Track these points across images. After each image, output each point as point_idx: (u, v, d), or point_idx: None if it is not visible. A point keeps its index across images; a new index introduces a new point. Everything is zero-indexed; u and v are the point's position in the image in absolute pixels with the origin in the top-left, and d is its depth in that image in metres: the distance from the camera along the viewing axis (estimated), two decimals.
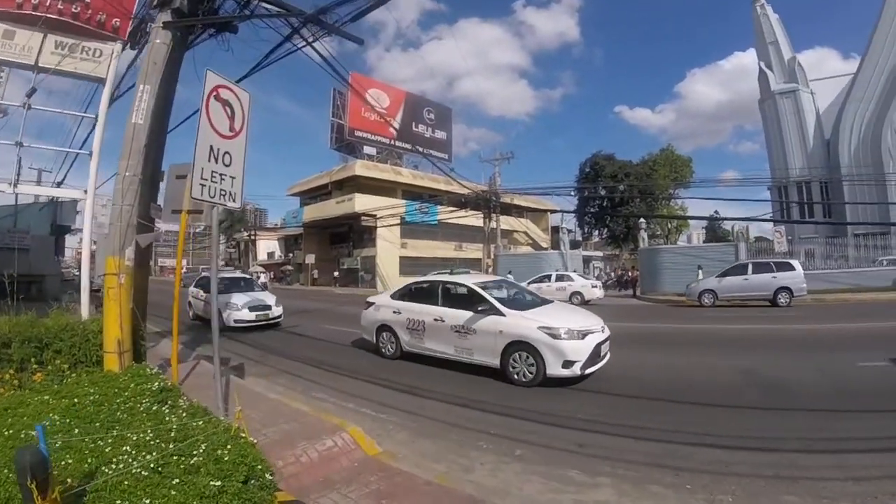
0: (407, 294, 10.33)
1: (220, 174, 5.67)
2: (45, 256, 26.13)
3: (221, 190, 5.69)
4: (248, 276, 20.88)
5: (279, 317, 15.87)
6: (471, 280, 9.72)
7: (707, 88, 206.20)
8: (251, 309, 15.13)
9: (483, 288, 9.08)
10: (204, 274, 20.03)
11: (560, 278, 26.81)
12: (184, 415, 4.59)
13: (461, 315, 8.76)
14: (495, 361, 8.24)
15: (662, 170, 51.20)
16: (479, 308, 8.57)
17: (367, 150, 48.37)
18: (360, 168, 44.06)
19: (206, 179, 5.50)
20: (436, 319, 9.16)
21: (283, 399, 6.83)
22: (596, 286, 26.65)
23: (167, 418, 4.47)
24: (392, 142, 49.72)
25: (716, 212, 54.56)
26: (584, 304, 23.62)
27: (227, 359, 10.36)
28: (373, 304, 10.80)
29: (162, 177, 8.08)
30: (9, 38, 8.32)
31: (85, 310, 8.57)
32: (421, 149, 49.86)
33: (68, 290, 40.42)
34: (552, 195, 56.85)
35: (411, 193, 46.58)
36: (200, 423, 4.32)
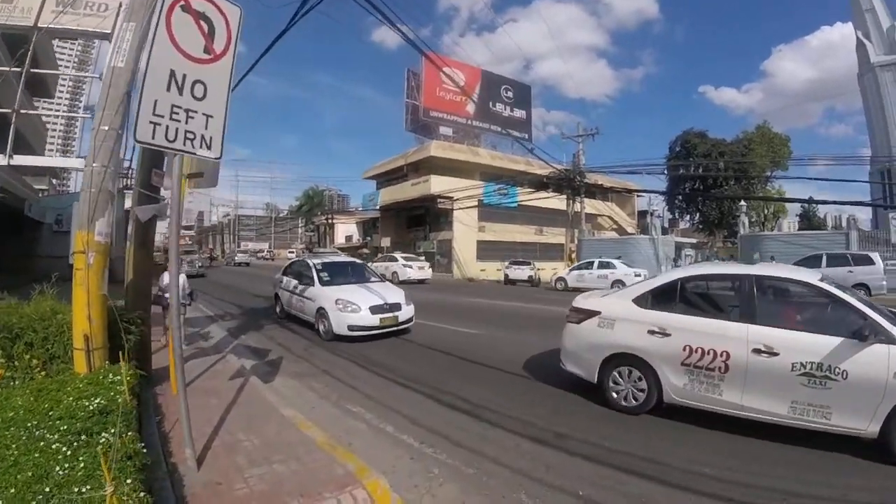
0: (675, 296, 5.75)
1: (188, 110, 4.03)
2: (114, 241, 26.12)
3: (188, 132, 4.05)
4: (357, 262, 14.99)
5: (410, 320, 11.10)
6: (810, 276, 5.36)
7: (795, 66, 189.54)
8: (374, 310, 10.29)
9: (842, 290, 5.07)
10: (299, 257, 14.63)
11: (602, 265, 25.82)
12: (89, 460, 2.95)
13: (817, 344, 4.67)
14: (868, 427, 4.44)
15: (759, 148, 46.33)
16: (859, 330, 4.51)
17: (444, 130, 46.67)
18: (436, 148, 42.38)
19: (162, 116, 3.88)
20: (757, 351, 4.87)
21: (295, 418, 5.21)
22: (640, 275, 23.81)
23: (56, 469, 2.84)
24: (469, 121, 47.72)
25: (811, 197, 48.99)
26: None
27: (264, 350, 9.06)
28: (593, 312, 6.15)
29: None
30: (7, 2, 7.10)
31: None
32: (499, 128, 47.80)
33: None
34: (642, 173, 52.95)
35: (489, 175, 44.22)
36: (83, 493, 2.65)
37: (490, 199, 41.12)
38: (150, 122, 3.79)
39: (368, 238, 53.85)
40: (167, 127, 3.93)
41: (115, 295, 5.68)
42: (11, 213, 21.60)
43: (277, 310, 13.56)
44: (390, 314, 10.53)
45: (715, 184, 46.18)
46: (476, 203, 39.60)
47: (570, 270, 27.55)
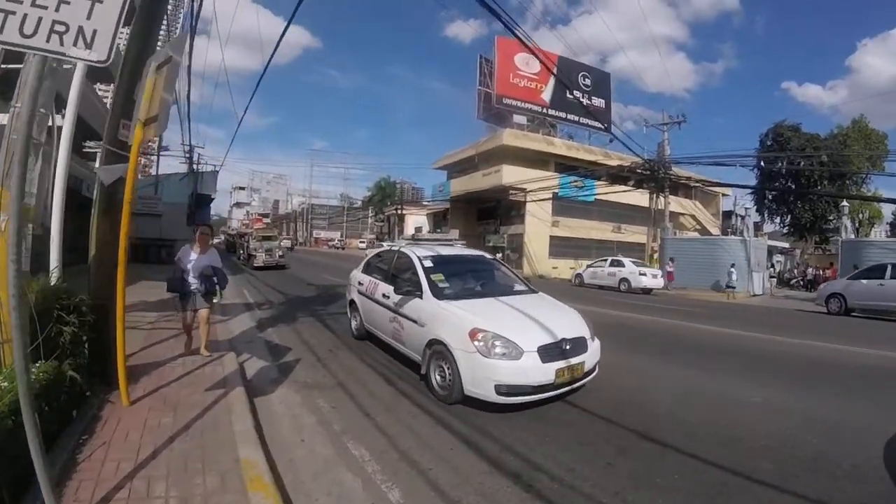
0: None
1: None
2: (176, 223, 27.52)
3: (57, 23, 2.54)
4: (486, 256, 8.70)
5: (594, 368, 5.94)
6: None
7: (881, 61, 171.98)
8: (547, 354, 5.32)
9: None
10: (390, 246, 9.21)
11: (613, 263, 26.64)
12: None
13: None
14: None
15: (856, 145, 41.45)
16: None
17: (517, 119, 44.32)
18: (509, 137, 40.35)
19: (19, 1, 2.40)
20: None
21: (254, 466, 3.61)
22: (646, 274, 25.19)
23: None
24: (544, 109, 45.13)
25: None
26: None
27: (283, 349, 7.68)
28: None
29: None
30: None
31: None
32: (576, 117, 45.33)
33: None
34: (735, 165, 48.05)
35: (565, 166, 41.56)
36: None
37: (565, 191, 38.55)
38: None
39: (438, 230, 52.48)
40: (24, 16, 2.45)
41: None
42: (70, 193, 21.59)
43: (353, 325, 8.83)
44: (574, 360, 5.41)
45: (808, 183, 41.55)
46: (550, 196, 37.06)
47: (587, 268, 28.32)
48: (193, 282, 6.69)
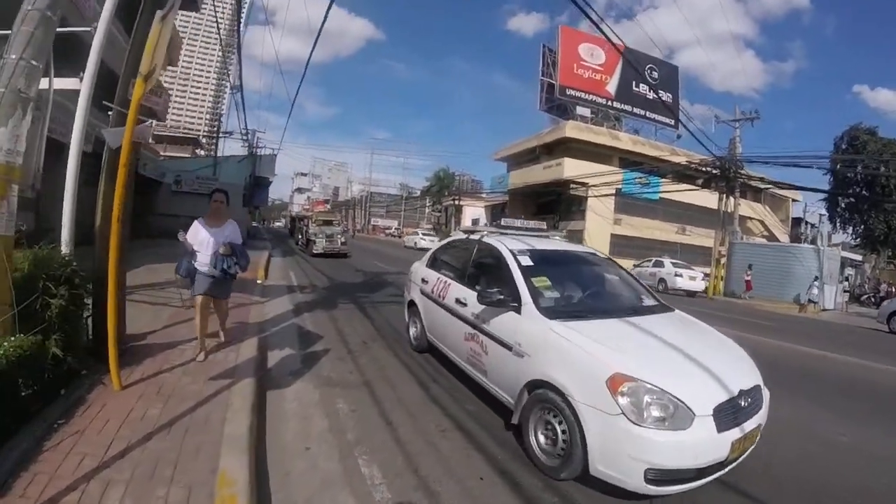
0: None
1: None
2: (233, 204, 26.72)
3: None
4: (599, 254, 6.21)
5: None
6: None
7: None
8: (723, 419, 3.35)
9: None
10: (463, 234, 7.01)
11: (655, 263, 26.47)
12: None
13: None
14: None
15: None
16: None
17: (581, 111, 42.52)
18: (572, 129, 38.93)
19: None
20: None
21: (232, 481, 2.94)
22: (681, 275, 24.74)
23: None
24: (609, 102, 43.25)
25: None
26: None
27: (315, 337, 7.07)
28: None
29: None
30: None
31: None
32: (642, 111, 43.55)
33: (259, 236, 43.56)
34: (812, 166, 44.63)
35: (629, 162, 39.70)
36: None
37: (629, 188, 36.85)
38: None
39: (496, 222, 51.42)
40: None
41: None
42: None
43: (411, 333, 6.95)
44: (750, 424, 3.50)
45: (883, 192, 37.95)
46: (613, 192, 35.52)
47: (634, 267, 27.07)
48: (204, 264, 5.49)
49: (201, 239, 5.57)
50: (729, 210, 29.85)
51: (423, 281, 6.48)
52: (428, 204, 76.18)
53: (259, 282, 12.96)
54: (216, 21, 15.88)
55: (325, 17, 8.91)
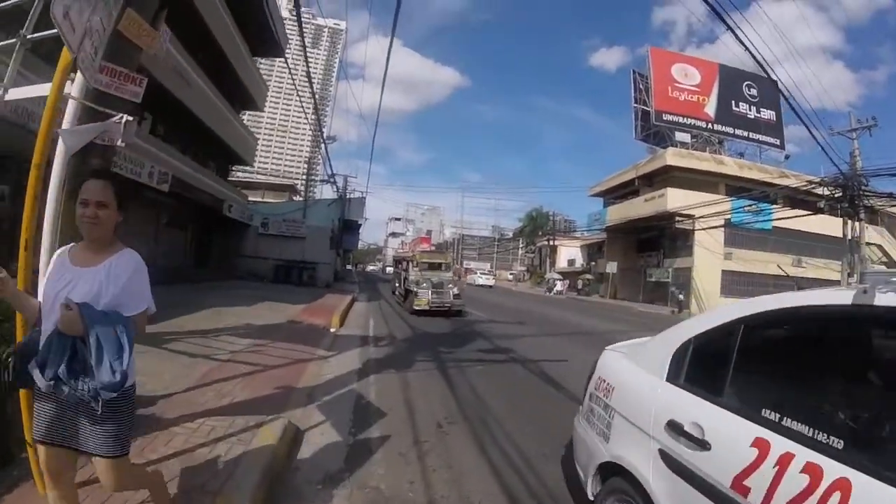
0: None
1: None
2: (320, 246, 27.48)
3: None
4: None
5: None
6: None
7: None
8: None
9: None
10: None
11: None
12: None
13: None
14: None
15: None
16: None
17: (679, 137, 39.79)
18: (672, 157, 35.95)
19: None
20: None
21: None
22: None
23: None
24: (709, 125, 40.08)
25: None
26: None
27: (369, 419, 5.23)
28: None
29: None
30: None
31: None
32: (745, 132, 40.16)
33: (348, 279, 42.74)
34: None
35: (735, 189, 36.08)
36: None
37: (738, 218, 32.98)
38: None
39: (593, 263, 48.64)
40: None
41: None
42: (213, 212, 21.79)
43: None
44: None
45: None
46: (722, 223, 31.82)
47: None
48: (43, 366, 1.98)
49: (47, 291, 2.16)
50: (853, 237, 25.58)
51: (676, 430, 2.23)
52: (521, 245, 74.52)
53: (332, 330, 11.47)
54: (308, 76, 15.28)
55: (387, 64, 7.38)
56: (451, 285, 17.29)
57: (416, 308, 16.18)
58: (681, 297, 31.37)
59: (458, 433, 4.95)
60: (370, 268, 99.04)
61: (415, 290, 16.82)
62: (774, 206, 32.76)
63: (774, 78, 18.91)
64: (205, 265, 23.82)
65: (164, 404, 4.73)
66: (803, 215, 29.04)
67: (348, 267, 65.96)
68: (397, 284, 22.45)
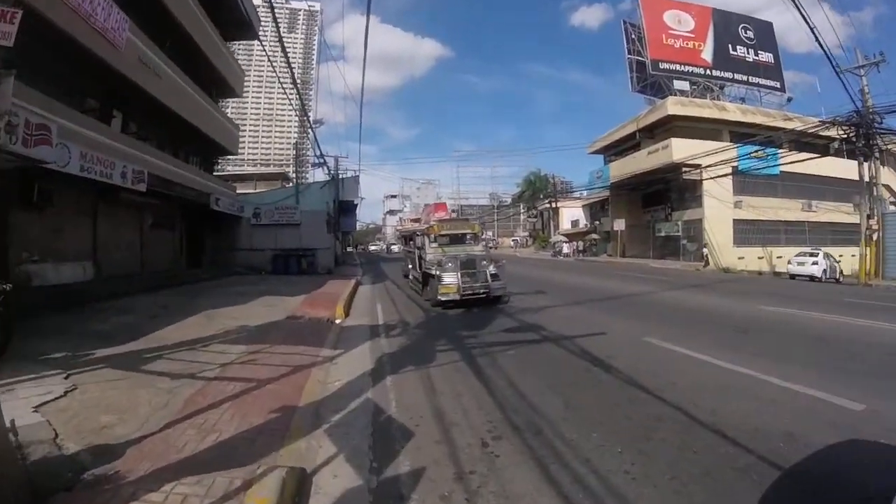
0: None
1: None
2: (316, 231, 26.16)
3: None
4: None
5: None
6: None
7: None
8: None
9: None
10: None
11: (811, 255, 24.08)
12: None
13: None
14: None
15: None
16: None
17: (678, 85, 38.36)
18: (674, 106, 34.49)
19: None
20: None
21: None
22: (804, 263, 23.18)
23: None
24: (707, 71, 38.74)
25: None
26: None
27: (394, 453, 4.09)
28: None
29: None
30: None
31: None
32: (744, 76, 39.09)
33: (350, 262, 41.19)
34: None
35: (739, 135, 35.02)
36: None
37: (745, 165, 31.71)
38: None
39: (597, 222, 47.43)
40: None
41: None
42: (200, 208, 20.58)
43: None
44: None
45: None
46: (729, 171, 30.70)
47: (795, 256, 24.77)
48: None
49: None
50: (869, 178, 24.32)
51: None
52: (522, 210, 73.26)
53: (337, 321, 10.41)
54: (288, 63, 13.99)
55: (366, 36, 6.07)
56: (484, 262, 12.93)
57: (443, 298, 11.99)
58: (704, 250, 30.29)
59: (511, 453, 3.83)
60: (372, 247, 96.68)
61: (436, 272, 12.47)
62: (781, 150, 31.51)
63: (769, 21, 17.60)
64: (198, 264, 22.70)
65: (131, 455, 3.67)
66: (813, 158, 28.07)
67: (349, 249, 64.28)
68: (410, 267, 18.12)
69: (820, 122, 27.13)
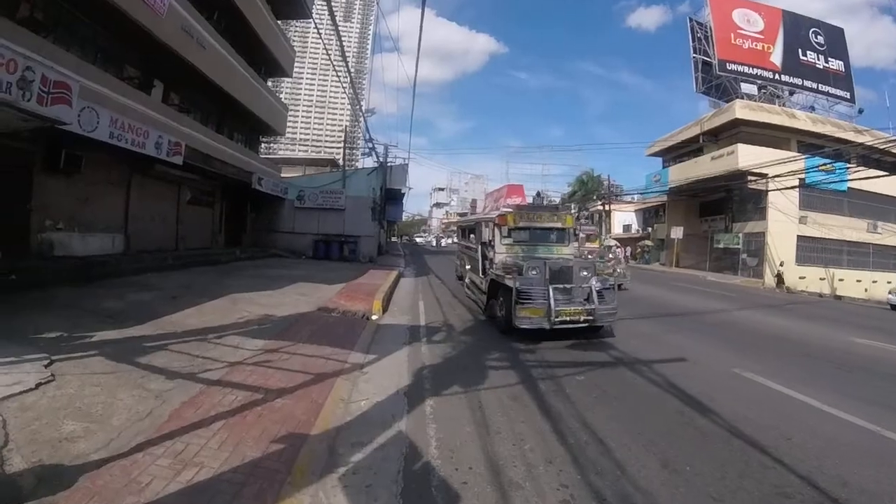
0: None
1: None
2: (361, 218, 25.11)
3: None
4: None
5: None
6: None
7: None
8: None
9: None
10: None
11: None
12: None
13: None
14: None
15: None
16: None
17: (745, 88, 35.70)
18: (742, 109, 32.08)
19: None
20: None
21: None
22: None
23: None
24: (776, 75, 35.97)
25: None
26: None
27: None
28: None
29: None
30: None
31: None
32: (813, 84, 36.10)
33: (393, 251, 39.98)
34: None
35: (808, 146, 32.35)
36: None
37: (812, 178, 28.96)
38: None
39: (650, 228, 45.31)
40: None
41: None
42: (242, 187, 19.85)
43: None
44: None
45: None
46: (796, 184, 27.99)
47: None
48: None
49: None
50: None
51: None
52: (572, 211, 70.77)
53: (374, 317, 9.34)
54: (341, 48, 12.98)
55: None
56: (585, 272, 8.64)
57: (524, 324, 7.93)
58: (781, 268, 27.83)
59: None
60: (418, 239, 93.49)
61: (514, 284, 8.24)
62: (850, 165, 29.09)
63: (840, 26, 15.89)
64: (238, 243, 22.08)
65: (81, 489, 2.74)
66: (883, 176, 25.53)
67: (393, 239, 63.19)
68: (468, 268, 13.21)
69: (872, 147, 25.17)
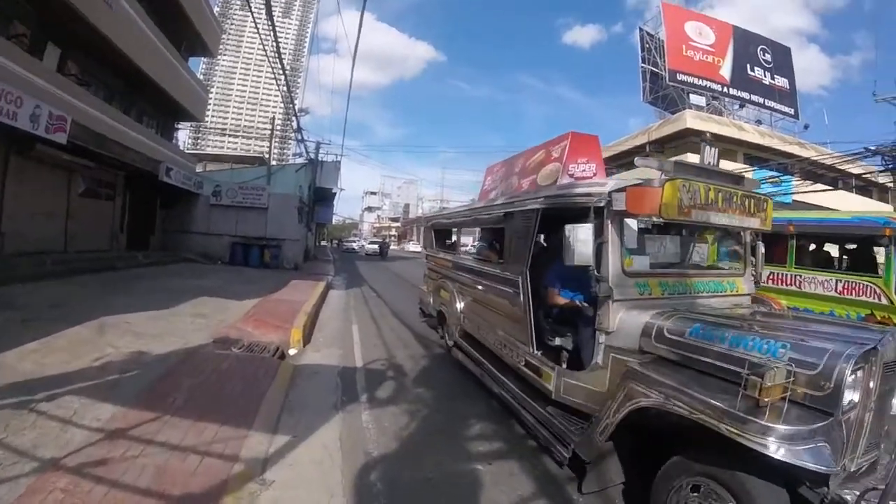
0: None
1: None
2: (286, 219, 22.43)
3: None
4: None
5: None
6: None
7: None
8: None
9: None
10: None
11: None
12: None
13: None
14: None
15: None
16: None
17: (694, 100, 36.07)
18: (693, 119, 32.07)
19: None
20: None
21: None
22: None
23: None
24: (724, 88, 36.53)
25: None
26: None
27: None
28: None
29: None
30: None
31: None
32: (760, 99, 37.22)
33: (322, 257, 36.94)
34: None
35: (754, 159, 32.98)
36: None
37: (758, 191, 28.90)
38: None
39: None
40: None
41: None
42: (149, 178, 16.99)
43: None
44: None
45: None
46: None
47: None
48: None
49: None
50: None
51: None
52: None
53: (291, 351, 7.17)
54: (277, 52, 10.85)
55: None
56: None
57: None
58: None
59: None
60: (352, 244, 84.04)
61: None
62: (795, 178, 29.85)
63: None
64: (144, 245, 19.01)
65: None
66: (828, 190, 26.52)
67: (322, 243, 59.67)
68: (442, 307, 7.50)
69: (855, 153, 25.24)
